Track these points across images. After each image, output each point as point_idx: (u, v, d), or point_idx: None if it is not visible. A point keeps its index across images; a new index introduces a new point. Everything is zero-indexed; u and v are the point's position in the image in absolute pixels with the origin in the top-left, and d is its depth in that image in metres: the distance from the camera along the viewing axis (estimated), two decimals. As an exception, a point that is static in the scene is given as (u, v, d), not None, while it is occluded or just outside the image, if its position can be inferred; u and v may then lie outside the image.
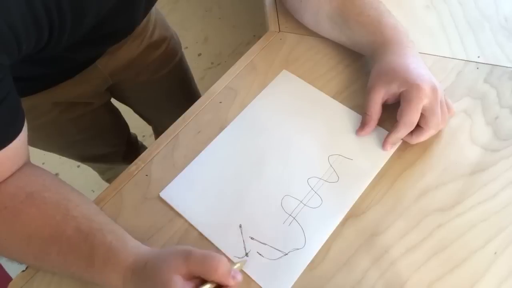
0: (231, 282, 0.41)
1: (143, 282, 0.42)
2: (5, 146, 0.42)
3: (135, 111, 0.96)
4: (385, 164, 0.53)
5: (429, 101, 0.49)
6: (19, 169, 0.46)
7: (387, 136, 0.53)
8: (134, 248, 0.45)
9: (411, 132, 0.52)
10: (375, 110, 0.53)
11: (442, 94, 0.51)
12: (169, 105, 0.88)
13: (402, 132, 0.51)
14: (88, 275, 0.45)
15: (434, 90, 0.50)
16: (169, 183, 0.54)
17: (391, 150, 0.54)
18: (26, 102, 0.63)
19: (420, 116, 0.51)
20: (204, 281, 0.41)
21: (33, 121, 0.69)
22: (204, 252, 0.42)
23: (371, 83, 0.54)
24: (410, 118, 0.50)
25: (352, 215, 0.50)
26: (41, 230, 0.44)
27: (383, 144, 0.54)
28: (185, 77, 0.90)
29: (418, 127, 0.52)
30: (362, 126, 0.55)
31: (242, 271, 0.47)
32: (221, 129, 0.58)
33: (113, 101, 0.86)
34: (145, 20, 0.69)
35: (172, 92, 0.87)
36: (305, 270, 0.47)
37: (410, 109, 0.50)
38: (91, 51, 0.62)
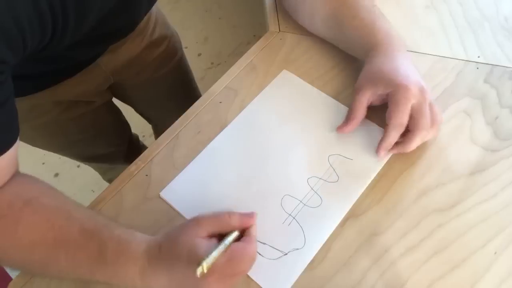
0: (248, 218, 0.45)
1: (166, 264, 0.42)
2: (2, 154, 0.41)
3: (136, 110, 0.96)
4: (385, 164, 0.53)
5: (417, 101, 0.49)
6: (12, 177, 0.45)
7: (380, 143, 0.52)
8: (142, 236, 0.45)
9: (403, 140, 0.51)
10: (360, 111, 0.53)
11: (430, 96, 0.50)
12: (170, 104, 0.89)
13: (393, 135, 0.50)
14: (100, 273, 0.43)
15: (422, 90, 0.49)
16: (169, 183, 0.54)
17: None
18: (27, 102, 0.63)
19: (410, 119, 0.50)
20: (223, 237, 0.43)
21: (34, 120, 0.69)
22: (212, 212, 0.45)
23: (358, 83, 0.54)
24: (399, 119, 0.49)
25: (352, 215, 0.50)
26: (45, 236, 0.43)
27: (377, 151, 0.52)
28: (185, 76, 0.90)
29: (408, 132, 0.51)
30: (346, 122, 0.54)
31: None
32: (221, 129, 0.58)
33: (115, 101, 0.86)
34: (146, 18, 0.69)
35: (173, 91, 0.88)
36: (305, 270, 0.47)
37: (398, 110, 0.49)
38: (93, 49, 0.62)
